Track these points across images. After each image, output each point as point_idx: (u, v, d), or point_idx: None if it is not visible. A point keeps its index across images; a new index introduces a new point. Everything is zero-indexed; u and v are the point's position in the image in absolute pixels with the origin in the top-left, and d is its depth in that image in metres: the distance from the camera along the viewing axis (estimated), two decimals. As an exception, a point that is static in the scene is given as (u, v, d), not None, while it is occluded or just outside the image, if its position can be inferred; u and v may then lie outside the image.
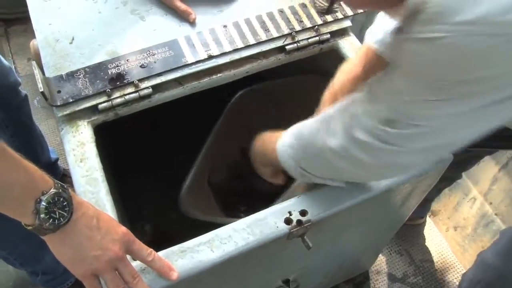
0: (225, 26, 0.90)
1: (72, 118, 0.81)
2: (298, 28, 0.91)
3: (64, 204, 0.55)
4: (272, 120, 0.82)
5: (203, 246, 0.68)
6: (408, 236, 1.50)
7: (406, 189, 0.83)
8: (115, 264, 0.59)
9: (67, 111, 0.80)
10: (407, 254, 1.47)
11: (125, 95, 0.82)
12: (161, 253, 0.67)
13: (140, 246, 0.63)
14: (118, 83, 0.82)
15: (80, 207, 0.57)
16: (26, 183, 0.52)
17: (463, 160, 1.19)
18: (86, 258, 0.57)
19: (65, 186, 0.56)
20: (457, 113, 0.54)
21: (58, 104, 0.80)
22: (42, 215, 0.53)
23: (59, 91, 0.81)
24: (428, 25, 0.49)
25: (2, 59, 1.09)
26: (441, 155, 0.75)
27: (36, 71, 0.78)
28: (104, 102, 0.81)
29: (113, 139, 0.96)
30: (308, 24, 0.92)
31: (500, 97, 0.52)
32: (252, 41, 0.89)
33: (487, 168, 1.42)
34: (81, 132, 0.80)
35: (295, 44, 0.90)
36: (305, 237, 0.73)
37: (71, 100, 0.80)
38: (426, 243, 1.50)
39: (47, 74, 0.83)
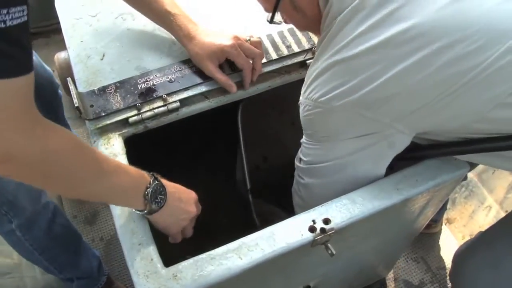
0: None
1: (104, 131, 0.85)
2: (318, 43, 0.95)
3: (161, 190, 0.72)
4: (277, 125, 0.87)
5: (232, 253, 0.71)
6: (424, 243, 1.52)
7: (424, 198, 0.86)
8: (193, 220, 0.82)
9: (100, 125, 0.84)
10: (423, 261, 1.49)
11: (154, 108, 0.86)
12: (191, 260, 0.70)
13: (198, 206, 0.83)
14: (147, 97, 0.86)
15: (167, 187, 0.74)
16: (137, 184, 0.69)
17: None
18: (177, 221, 0.78)
19: (155, 175, 0.72)
20: (320, 154, 0.77)
21: (91, 117, 0.84)
22: (151, 203, 0.71)
23: (91, 105, 0.85)
24: (301, 94, 0.76)
25: (46, 66, 1.17)
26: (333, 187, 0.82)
27: (72, 87, 0.82)
28: (134, 115, 0.85)
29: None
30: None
31: (341, 153, 0.75)
32: (274, 56, 0.92)
33: (502, 177, 1.44)
34: (113, 144, 0.84)
35: (316, 59, 0.94)
36: (328, 244, 0.75)
37: (103, 114, 0.84)
38: (442, 251, 1.52)
39: (80, 89, 0.88)
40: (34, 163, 0.53)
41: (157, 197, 0.72)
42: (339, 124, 0.72)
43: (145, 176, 0.71)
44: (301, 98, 0.76)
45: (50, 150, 0.54)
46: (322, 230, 0.74)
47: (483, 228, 1.49)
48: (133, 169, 0.70)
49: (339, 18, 0.69)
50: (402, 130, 0.71)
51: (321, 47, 0.73)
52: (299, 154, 0.84)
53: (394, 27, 0.63)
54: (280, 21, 0.81)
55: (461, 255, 0.97)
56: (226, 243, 0.72)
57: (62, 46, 0.94)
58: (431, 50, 0.62)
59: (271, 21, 0.79)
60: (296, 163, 0.85)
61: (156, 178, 0.72)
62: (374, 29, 0.65)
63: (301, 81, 0.78)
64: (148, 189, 0.70)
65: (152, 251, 0.71)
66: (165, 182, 0.75)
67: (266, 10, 0.81)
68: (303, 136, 0.81)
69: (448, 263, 1.49)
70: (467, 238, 1.53)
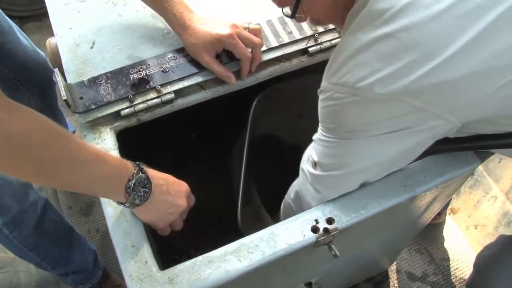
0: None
1: (95, 124, 0.81)
2: (321, 29, 0.89)
3: (145, 183, 0.67)
4: (293, 122, 0.82)
5: (230, 255, 0.68)
6: (427, 234, 1.49)
7: (432, 194, 0.82)
8: (183, 213, 0.76)
9: (90, 118, 0.79)
10: (427, 252, 1.46)
11: (148, 100, 0.81)
12: (187, 263, 0.67)
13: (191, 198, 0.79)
14: (140, 88, 0.81)
15: (153, 179, 0.69)
16: (118, 175, 0.64)
17: None
18: (164, 216, 0.73)
19: (141, 166, 0.68)
20: (343, 155, 0.66)
21: (81, 111, 0.79)
22: (133, 196, 0.66)
23: (81, 98, 0.80)
24: (324, 78, 0.63)
25: (39, 51, 1.16)
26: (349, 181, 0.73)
27: (59, 79, 0.77)
28: (126, 108, 0.80)
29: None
30: (331, 26, 0.90)
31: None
32: (274, 43, 0.87)
33: (509, 166, 1.40)
34: (104, 139, 0.79)
35: (318, 46, 0.88)
36: (332, 245, 0.72)
37: (93, 107, 0.79)
38: (446, 242, 1.49)
39: (69, 80, 0.83)
40: None
41: (140, 190, 0.67)
42: (378, 116, 0.58)
43: (128, 166, 0.66)
44: (324, 83, 0.62)
45: (14, 134, 0.49)
46: (326, 230, 0.70)
47: (488, 219, 1.46)
48: (115, 159, 0.66)
49: None
50: (452, 121, 0.58)
51: (360, 16, 0.58)
52: (312, 155, 0.71)
53: None
54: (300, 16, 0.70)
55: (486, 263, 0.91)
56: (223, 244, 0.69)
57: (55, 30, 0.90)
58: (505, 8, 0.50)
59: (293, 15, 0.68)
60: (307, 167, 0.73)
61: (141, 170, 0.67)
62: None
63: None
64: (131, 181, 0.65)
65: (146, 253, 0.68)
66: (152, 173, 0.70)
67: (280, 4, 0.71)
68: (319, 131, 0.68)
69: (452, 253, 1.46)
70: (472, 228, 1.50)
